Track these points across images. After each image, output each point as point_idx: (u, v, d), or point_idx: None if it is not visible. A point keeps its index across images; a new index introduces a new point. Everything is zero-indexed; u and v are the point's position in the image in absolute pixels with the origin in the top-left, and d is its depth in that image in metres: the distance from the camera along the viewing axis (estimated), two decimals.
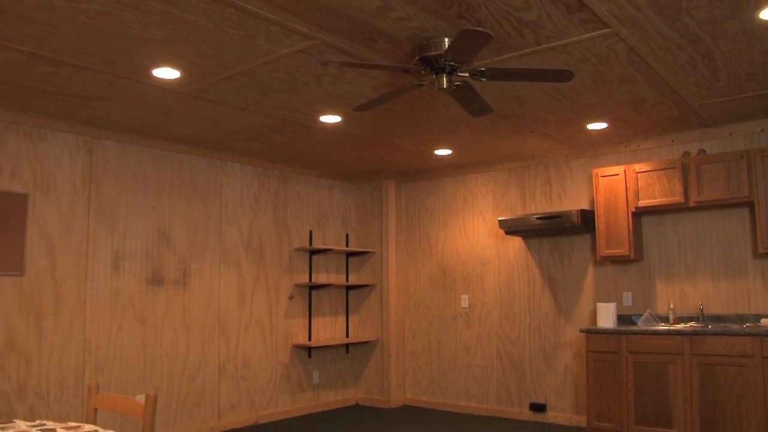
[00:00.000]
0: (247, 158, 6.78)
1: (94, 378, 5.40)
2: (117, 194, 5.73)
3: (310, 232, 7.44)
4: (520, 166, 7.00)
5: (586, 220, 6.15)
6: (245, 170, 6.80)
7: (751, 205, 5.55)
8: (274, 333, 6.94)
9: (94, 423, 2.84)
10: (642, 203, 5.79)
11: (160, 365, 5.90)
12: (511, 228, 6.46)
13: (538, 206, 6.85)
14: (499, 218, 6.54)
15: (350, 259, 7.95)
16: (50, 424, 2.70)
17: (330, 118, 5.44)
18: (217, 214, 6.49)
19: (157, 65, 4.19)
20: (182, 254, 6.15)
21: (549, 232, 6.39)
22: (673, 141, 6.03)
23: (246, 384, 6.60)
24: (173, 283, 6.05)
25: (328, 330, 7.56)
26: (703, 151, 5.78)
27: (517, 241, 6.95)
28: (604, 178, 6.02)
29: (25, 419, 3.33)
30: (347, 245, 7.92)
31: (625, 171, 5.91)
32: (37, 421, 2.74)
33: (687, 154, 5.87)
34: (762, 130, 5.60)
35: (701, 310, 5.68)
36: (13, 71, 4.25)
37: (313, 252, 7.45)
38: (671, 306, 5.84)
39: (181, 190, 6.21)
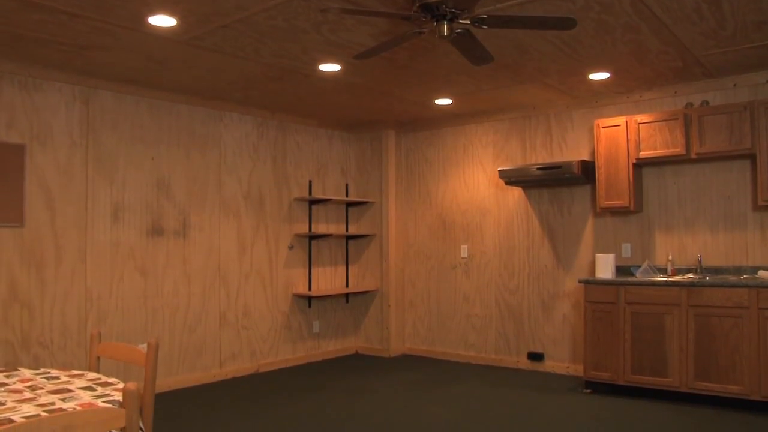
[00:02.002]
0: (245, 108, 6.71)
1: (96, 327, 5.45)
2: (115, 145, 5.69)
3: (310, 182, 7.42)
4: (520, 116, 6.94)
5: (587, 170, 6.13)
6: (243, 120, 6.74)
7: (752, 158, 5.52)
8: (274, 283, 6.97)
9: (97, 371, 2.87)
10: (643, 154, 5.76)
11: (161, 315, 5.94)
12: (511, 178, 6.43)
13: (539, 157, 6.82)
14: (499, 168, 6.51)
15: (350, 209, 7.94)
16: (54, 372, 2.73)
17: (329, 67, 5.37)
18: (216, 164, 6.46)
19: (153, 12, 4.11)
20: (182, 205, 6.14)
21: (549, 182, 6.37)
22: (675, 92, 5.96)
23: (247, 333, 6.67)
24: (173, 234, 6.06)
25: (328, 280, 7.61)
26: (706, 102, 5.72)
27: (517, 192, 6.94)
28: (606, 128, 5.98)
29: (29, 368, 3.37)
30: (347, 195, 7.91)
31: (626, 122, 5.85)
32: (41, 370, 2.78)
33: (689, 105, 5.81)
34: (767, 81, 5.53)
35: (699, 261, 5.70)
36: (5, 18, 4.17)
37: (313, 202, 7.44)
38: (670, 257, 5.86)
39: (179, 140, 6.16)
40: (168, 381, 5.97)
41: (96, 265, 5.52)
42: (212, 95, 6.26)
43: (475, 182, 7.27)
